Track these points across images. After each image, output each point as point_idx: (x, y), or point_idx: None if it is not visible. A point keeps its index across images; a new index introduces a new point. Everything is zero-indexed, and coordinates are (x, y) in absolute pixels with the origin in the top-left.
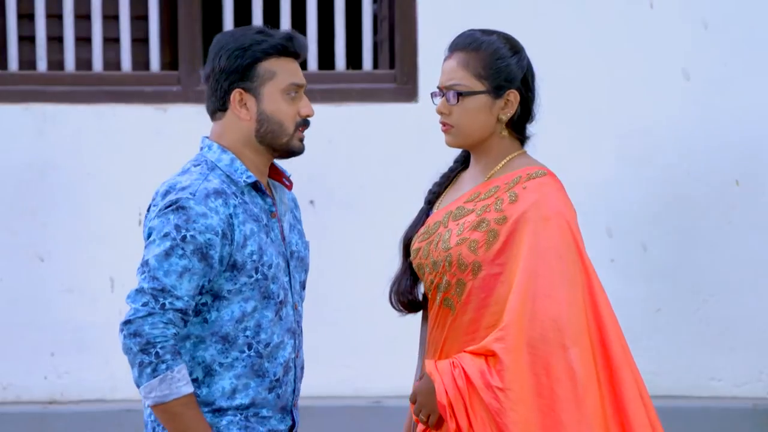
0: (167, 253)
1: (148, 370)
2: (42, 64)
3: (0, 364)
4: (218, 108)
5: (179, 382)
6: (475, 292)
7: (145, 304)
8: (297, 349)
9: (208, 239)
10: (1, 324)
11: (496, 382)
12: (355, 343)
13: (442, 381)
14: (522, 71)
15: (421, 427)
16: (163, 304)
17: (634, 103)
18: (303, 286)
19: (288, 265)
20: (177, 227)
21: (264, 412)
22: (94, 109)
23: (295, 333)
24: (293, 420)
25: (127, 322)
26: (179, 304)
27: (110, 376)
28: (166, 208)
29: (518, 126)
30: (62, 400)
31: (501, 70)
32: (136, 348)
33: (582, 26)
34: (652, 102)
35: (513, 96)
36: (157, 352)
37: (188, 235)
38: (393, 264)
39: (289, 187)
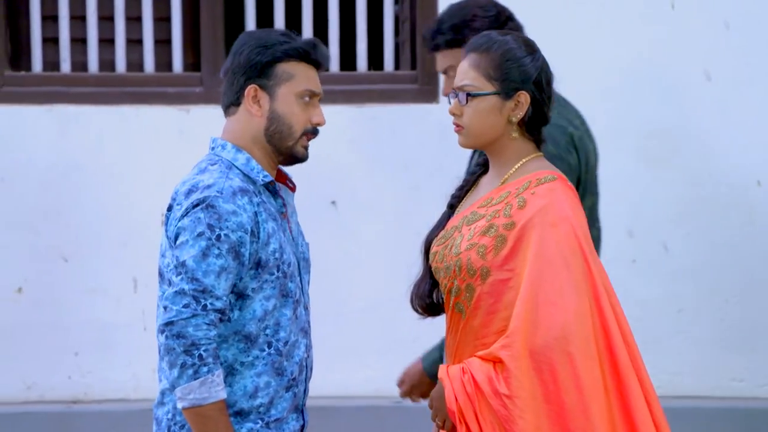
0: (204, 254)
1: (190, 371)
2: (66, 66)
3: (24, 363)
4: (232, 102)
5: (218, 386)
6: (484, 297)
7: (186, 306)
8: (309, 348)
9: (240, 237)
10: (26, 324)
11: (503, 389)
12: (376, 343)
13: (452, 387)
14: (535, 72)
15: (440, 431)
16: (205, 305)
17: (655, 104)
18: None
19: (299, 265)
20: (210, 226)
21: (281, 413)
22: (117, 111)
23: (307, 333)
24: (304, 419)
25: (169, 324)
26: (219, 305)
27: (133, 376)
28: (194, 207)
29: (531, 127)
30: (86, 400)
31: (512, 71)
32: (179, 349)
33: (603, 27)
34: (674, 103)
35: (523, 97)
36: (200, 354)
37: (222, 234)
38: (413, 265)
39: (293, 189)
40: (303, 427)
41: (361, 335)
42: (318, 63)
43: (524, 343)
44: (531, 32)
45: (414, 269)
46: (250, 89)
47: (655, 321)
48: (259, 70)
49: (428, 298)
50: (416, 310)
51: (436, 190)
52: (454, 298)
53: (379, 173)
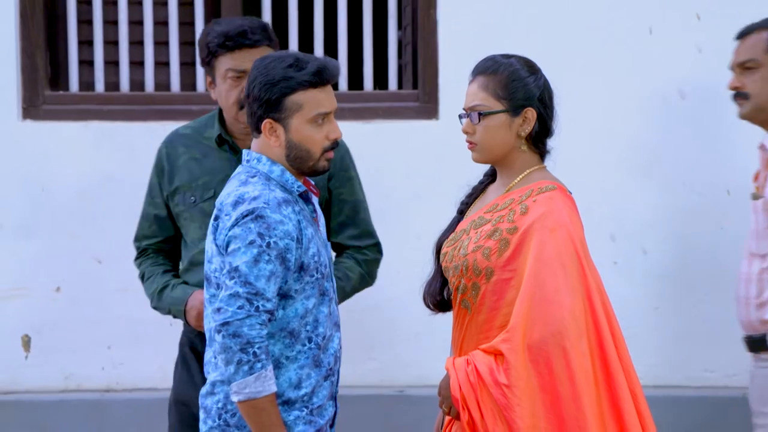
0: (256, 260)
1: (246, 367)
2: (100, 86)
3: (63, 356)
4: (254, 129)
5: (270, 381)
6: (488, 294)
7: (241, 307)
8: (341, 341)
9: (287, 244)
10: (64, 320)
11: (502, 379)
12: (382, 338)
13: (456, 377)
14: (539, 90)
15: (447, 418)
16: (257, 307)
17: (635, 121)
18: None
19: (329, 265)
20: (260, 235)
21: (321, 401)
22: (147, 126)
23: (338, 326)
24: (336, 406)
25: (225, 324)
26: (269, 306)
27: (160, 367)
28: (244, 217)
29: (537, 141)
30: (118, 389)
31: (518, 90)
32: (236, 347)
33: (590, 52)
34: (652, 119)
35: (530, 113)
36: (254, 352)
37: (271, 242)
38: (416, 266)
39: (317, 194)
40: (336, 413)
41: (368, 331)
42: (326, 82)
43: (523, 338)
44: (525, 53)
45: (414, 270)
46: (266, 123)
47: (635, 317)
48: (271, 106)
49: (439, 296)
50: (428, 306)
51: (435, 198)
52: (461, 295)
53: (385, 182)
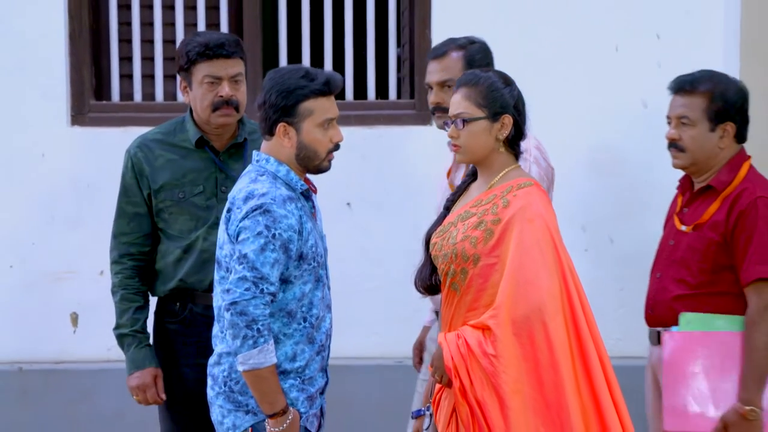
0: (262, 248)
1: (250, 342)
2: (138, 96)
3: (105, 330)
4: (267, 132)
5: (271, 353)
6: (475, 278)
7: (248, 289)
8: (332, 321)
9: (290, 236)
10: (106, 300)
11: (490, 350)
12: (382, 315)
13: (449, 349)
14: (513, 99)
15: (438, 386)
16: (262, 289)
17: (604, 126)
18: None
19: (325, 255)
20: (267, 227)
21: (313, 373)
22: None
23: (330, 308)
24: (327, 377)
25: (233, 303)
26: (272, 289)
27: None
28: (253, 211)
29: (513, 143)
30: None
31: (496, 99)
32: (242, 324)
33: (565, 66)
34: (619, 125)
35: (507, 120)
36: (258, 329)
37: (276, 233)
38: (411, 253)
39: (315, 191)
40: (326, 383)
41: (370, 309)
42: (333, 93)
43: (508, 314)
44: (508, 68)
45: (411, 256)
46: (280, 127)
47: (603, 297)
48: (286, 111)
49: (429, 281)
50: (419, 290)
51: (429, 195)
52: (451, 279)
53: (385, 181)
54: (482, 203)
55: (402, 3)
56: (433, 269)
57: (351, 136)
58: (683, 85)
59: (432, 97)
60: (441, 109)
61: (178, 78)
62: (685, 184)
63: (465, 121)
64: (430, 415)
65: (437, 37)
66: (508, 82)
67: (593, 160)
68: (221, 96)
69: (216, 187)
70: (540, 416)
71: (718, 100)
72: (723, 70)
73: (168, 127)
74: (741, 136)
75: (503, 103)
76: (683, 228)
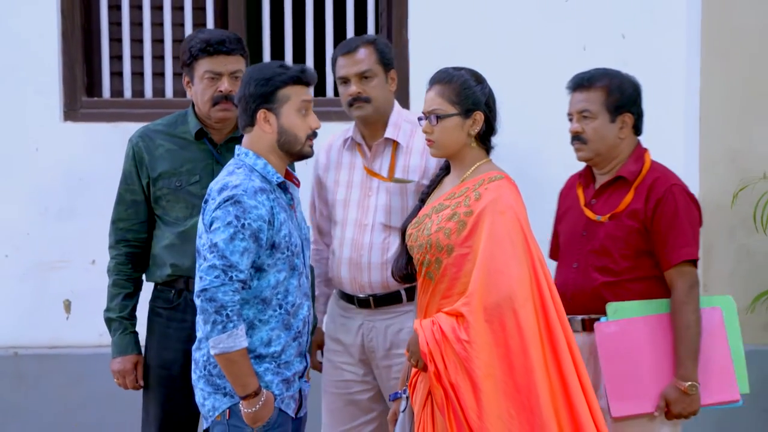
0: (232, 237)
1: (219, 327)
2: (127, 93)
3: (97, 317)
4: (248, 124)
5: (240, 338)
6: (449, 267)
7: (217, 277)
8: (310, 309)
9: (260, 226)
10: (97, 288)
11: (463, 336)
12: None
13: (424, 335)
14: (485, 97)
15: (414, 370)
16: (231, 277)
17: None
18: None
19: (302, 245)
20: (237, 217)
21: (289, 358)
22: None
23: (308, 296)
24: (306, 362)
25: (203, 290)
26: (242, 276)
27: None
28: (225, 202)
29: (484, 139)
30: (142, 345)
31: (468, 96)
32: (211, 310)
33: (536, 65)
34: None
35: (479, 116)
36: (227, 314)
37: (246, 223)
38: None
39: (298, 184)
40: (306, 367)
41: None
42: (308, 82)
43: (480, 302)
44: (478, 68)
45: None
46: (261, 113)
47: None
48: (265, 98)
49: (405, 270)
50: (395, 279)
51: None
52: (426, 268)
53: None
54: (455, 196)
55: (380, 4)
56: (409, 259)
57: (332, 130)
58: (581, 82)
59: (351, 89)
60: (362, 99)
61: (180, 73)
62: (587, 178)
63: (438, 117)
64: (407, 397)
65: (414, 38)
66: (479, 80)
67: (561, 153)
68: (221, 91)
69: (212, 177)
70: (510, 399)
71: (615, 92)
72: (686, 66)
73: (171, 119)
74: (638, 129)
75: (475, 100)
76: (598, 218)
